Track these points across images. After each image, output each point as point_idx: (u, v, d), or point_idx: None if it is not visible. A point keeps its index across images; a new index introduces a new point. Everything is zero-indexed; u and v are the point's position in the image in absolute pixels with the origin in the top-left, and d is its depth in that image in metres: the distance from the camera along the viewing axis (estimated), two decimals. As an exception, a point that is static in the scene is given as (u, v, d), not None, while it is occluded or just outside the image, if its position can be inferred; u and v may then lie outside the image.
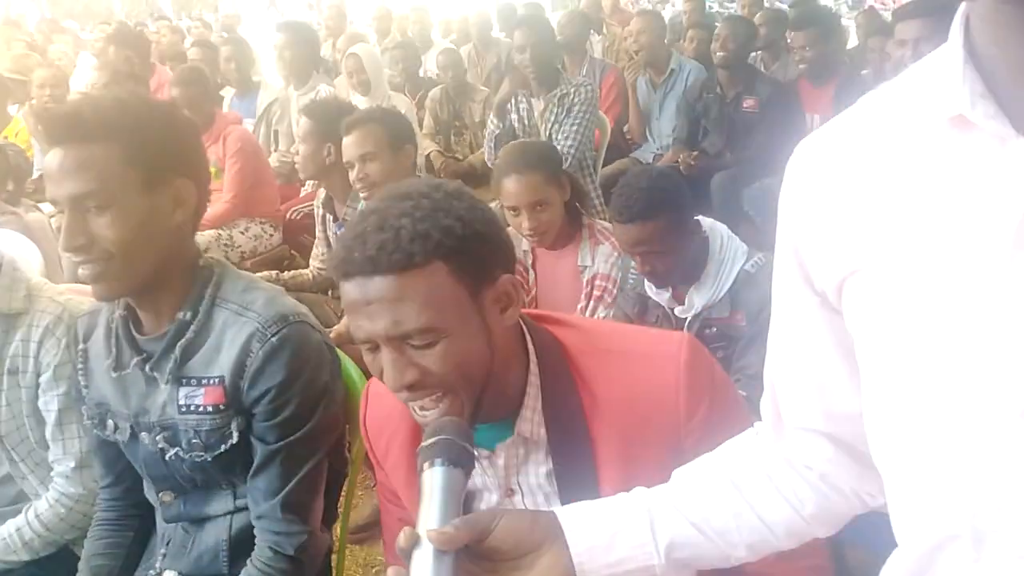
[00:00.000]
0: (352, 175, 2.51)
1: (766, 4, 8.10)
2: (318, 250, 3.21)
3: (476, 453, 1.06)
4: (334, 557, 1.60)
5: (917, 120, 0.61)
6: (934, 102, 0.60)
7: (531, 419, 1.05)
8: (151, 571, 1.48)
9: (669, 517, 0.84)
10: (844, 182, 0.66)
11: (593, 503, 0.87)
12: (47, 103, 4.60)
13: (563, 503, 1.04)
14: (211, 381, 1.32)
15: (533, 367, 1.06)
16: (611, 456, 1.02)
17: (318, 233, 3.18)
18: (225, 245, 3.60)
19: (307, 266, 3.36)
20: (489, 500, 1.10)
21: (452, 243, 0.94)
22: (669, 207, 1.97)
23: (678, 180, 2.13)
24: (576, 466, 1.04)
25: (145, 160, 1.25)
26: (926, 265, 0.59)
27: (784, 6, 8.42)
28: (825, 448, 0.82)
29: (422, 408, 0.97)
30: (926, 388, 0.60)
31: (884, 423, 0.66)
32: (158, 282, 1.32)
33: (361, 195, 2.53)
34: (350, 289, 0.94)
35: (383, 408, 1.16)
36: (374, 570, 2.46)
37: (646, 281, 2.17)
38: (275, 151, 4.60)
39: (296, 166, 3.00)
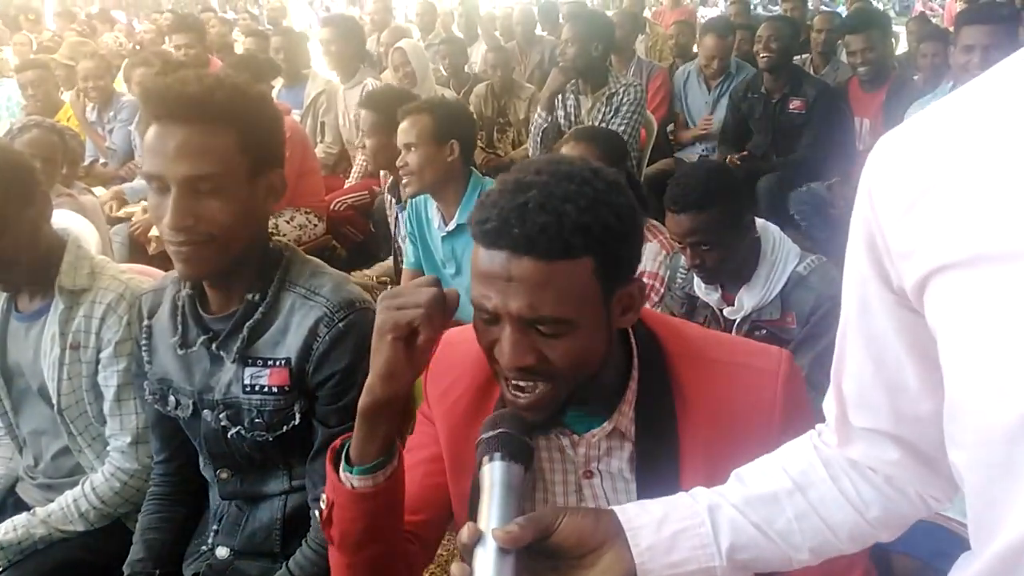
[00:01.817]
0: (399, 160, 2.58)
1: (810, 7, 8.02)
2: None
3: (561, 435, 1.07)
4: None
5: (1006, 116, 0.61)
6: (1021, 100, 0.59)
7: (626, 414, 1.05)
8: (203, 546, 1.51)
9: (731, 518, 0.84)
10: (930, 177, 0.64)
11: (654, 502, 0.87)
12: (91, 94, 4.68)
13: (640, 496, 1.03)
14: (277, 363, 1.34)
15: (635, 363, 1.05)
16: (696, 461, 1.02)
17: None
18: (271, 233, 3.64)
19: (349, 256, 3.42)
20: (566, 479, 1.10)
21: (606, 241, 0.91)
22: (724, 199, 1.97)
23: (735, 175, 2.14)
24: (660, 467, 1.03)
25: (254, 149, 1.27)
26: (1022, 263, 0.58)
27: (830, 10, 8.33)
28: (891, 450, 0.81)
29: (518, 389, 0.96)
30: (1018, 387, 0.59)
31: (970, 423, 0.65)
32: (236, 264, 1.34)
33: (403, 178, 2.57)
34: (491, 258, 0.91)
35: (454, 356, 1.15)
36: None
37: (695, 281, 2.17)
38: (321, 142, 4.65)
39: (363, 161, 3.05)
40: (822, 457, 0.86)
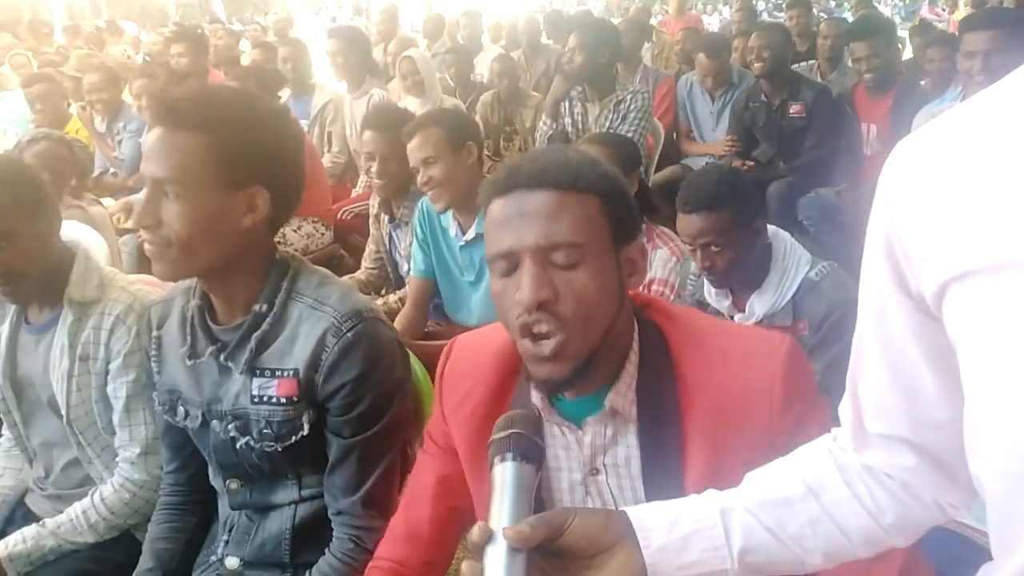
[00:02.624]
0: (418, 178, 2.52)
1: (815, 12, 8.02)
2: (371, 248, 3.22)
3: (563, 429, 1.07)
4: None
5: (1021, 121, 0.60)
6: None
7: (624, 395, 1.04)
8: (213, 557, 1.50)
9: (743, 521, 0.83)
10: (950, 183, 0.64)
11: (666, 503, 0.86)
12: (97, 107, 4.71)
13: (646, 487, 1.04)
14: (285, 373, 1.34)
15: (635, 345, 1.06)
16: (699, 446, 1.02)
17: (372, 232, 3.19)
18: (278, 242, 3.64)
19: (356, 265, 3.39)
20: (571, 478, 1.09)
21: (609, 187, 1.01)
22: (735, 200, 1.97)
23: (747, 178, 2.15)
24: (662, 450, 1.03)
25: (228, 161, 1.25)
26: None
27: (836, 16, 8.33)
28: (908, 457, 0.80)
29: (540, 336, 0.97)
30: None
31: (991, 434, 0.63)
32: (228, 274, 1.33)
33: (430, 197, 2.53)
34: (505, 204, 0.99)
35: (468, 361, 1.16)
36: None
37: (706, 287, 2.16)
38: (328, 152, 4.67)
39: (377, 185, 2.94)
40: (837, 462, 0.86)
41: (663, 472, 1.02)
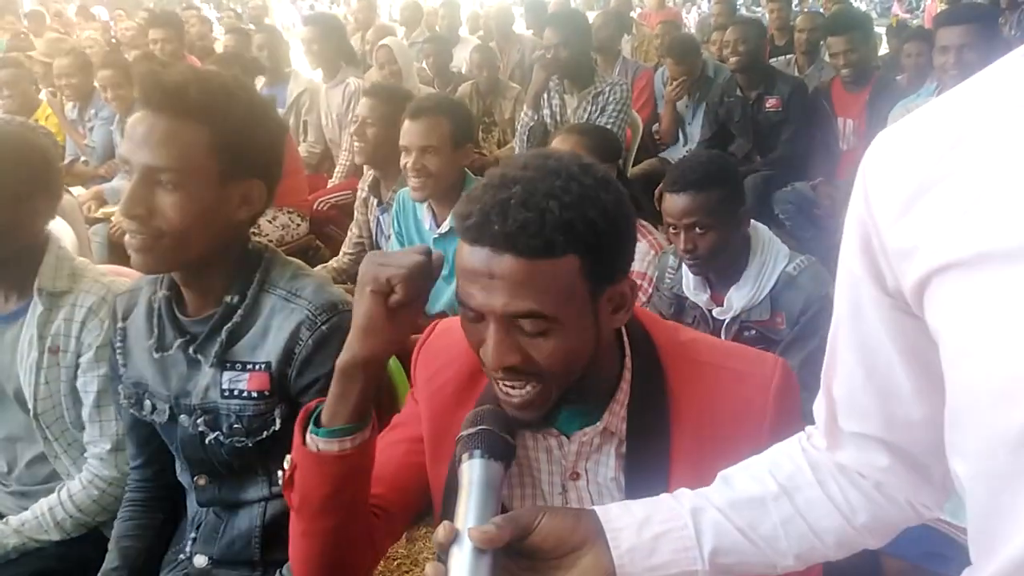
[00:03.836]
0: (407, 160, 2.42)
1: (795, 7, 8.06)
2: (352, 232, 3.17)
3: (548, 435, 1.05)
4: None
5: (1009, 112, 0.59)
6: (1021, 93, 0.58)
7: (617, 413, 1.03)
8: (181, 555, 1.48)
9: (715, 522, 0.82)
10: (931, 174, 0.63)
11: (636, 503, 0.85)
12: (66, 92, 4.61)
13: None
14: (256, 367, 1.31)
15: (628, 363, 1.03)
16: (686, 465, 1.00)
17: (357, 216, 3.14)
18: (253, 233, 3.59)
19: (333, 256, 3.35)
20: (551, 480, 1.08)
21: (592, 239, 0.88)
22: (724, 183, 1.99)
23: (735, 164, 2.19)
24: (649, 468, 1.01)
25: (229, 153, 1.23)
26: None
27: (813, 10, 8.37)
28: (882, 456, 0.80)
29: (509, 387, 0.94)
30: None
31: (973, 431, 0.63)
32: (205, 265, 1.30)
33: (411, 183, 2.45)
34: (474, 255, 0.89)
35: (449, 340, 1.13)
36: (395, 563, 2.45)
37: (684, 280, 2.16)
38: (304, 141, 4.62)
39: (356, 149, 2.94)
40: (810, 461, 0.85)
41: (647, 485, 0.99)
